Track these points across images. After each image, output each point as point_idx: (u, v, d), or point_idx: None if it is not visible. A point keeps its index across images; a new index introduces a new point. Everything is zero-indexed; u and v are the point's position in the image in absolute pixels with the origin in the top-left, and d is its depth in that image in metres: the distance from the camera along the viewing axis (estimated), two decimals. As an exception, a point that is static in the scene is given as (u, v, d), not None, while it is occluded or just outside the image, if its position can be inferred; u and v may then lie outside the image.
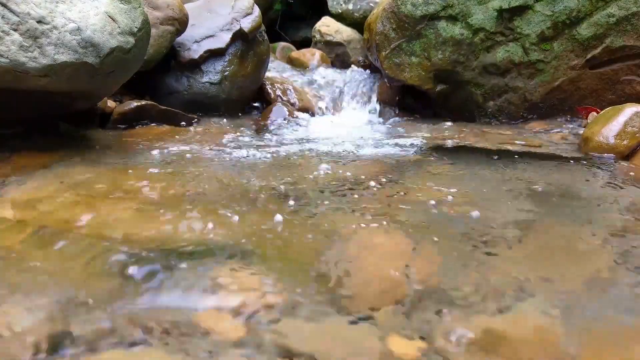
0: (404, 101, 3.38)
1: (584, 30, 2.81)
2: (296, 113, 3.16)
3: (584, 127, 2.59)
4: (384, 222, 1.33)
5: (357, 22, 4.33)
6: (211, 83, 2.98)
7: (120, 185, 1.57)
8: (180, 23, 2.90)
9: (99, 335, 0.81)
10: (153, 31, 2.58)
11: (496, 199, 1.57)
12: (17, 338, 0.80)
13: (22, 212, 1.31)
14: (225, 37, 3.06)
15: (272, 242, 1.19)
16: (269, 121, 2.98)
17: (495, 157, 2.12)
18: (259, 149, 2.18)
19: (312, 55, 4.19)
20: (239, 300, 0.93)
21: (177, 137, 2.37)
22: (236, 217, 1.33)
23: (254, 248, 1.15)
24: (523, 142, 2.46)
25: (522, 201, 1.54)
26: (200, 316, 0.88)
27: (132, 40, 1.93)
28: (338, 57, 4.30)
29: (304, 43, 4.85)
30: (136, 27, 1.95)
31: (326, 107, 3.36)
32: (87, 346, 0.79)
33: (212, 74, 2.99)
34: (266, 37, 3.39)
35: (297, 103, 3.29)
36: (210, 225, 1.26)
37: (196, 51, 2.99)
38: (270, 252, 1.14)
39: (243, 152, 2.11)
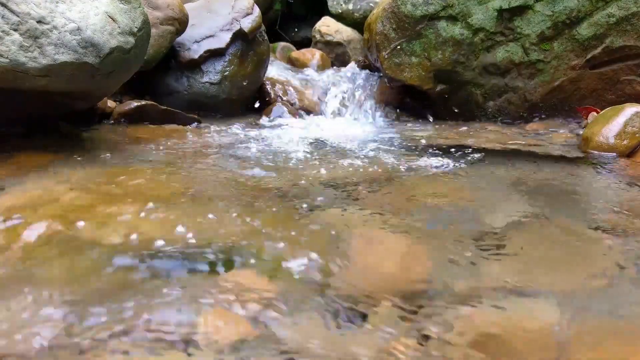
0: (404, 101, 3.38)
1: (584, 30, 2.81)
2: (296, 113, 3.17)
3: (584, 127, 2.59)
4: (382, 221, 1.33)
5: (357, 22, 4.33)
6: (211, 83, 2.98)
7: (120, 185, 1.57)
8: (180, 23, 2.90)
9: (101, 336, 0.81)
10: (153, 31, 2.58)
11: (495, 198, 1.57)
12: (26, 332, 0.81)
13: (21, 212, 1.30)
14: (225, 37, 3.06)
15: (272, 239, 1.19)
16: (268, 121, 2.99)
17: (495, 157, 2.12)
18: (259, 149, 2.18)
19: (312, 55, 4.19)
20: (239, 298, 0.93)
21: (176, 137, 2.37)
22: (236, 215, 1.33)
23: (254, 246, 1.15)
24: (523, 142, 2.46)
25: (521, 200, 1.54)
26: (201, 316, 0.88)
27: (132, 40, 1.93)
28: (338, 57, 4.30)
29: (304, 43, 4.84)
30: (136, 27, 1.95)
31: (326, 107, 3.36)
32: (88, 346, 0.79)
33: (212, 74, 2.99)
34: (266, 37, 3.39)
35: (297, 103, 3.29)
36: (210, 224, 1.26)
37: (196, 51, 2.99)
38: (271, 250, 1.14)
39: (243, 152, 2.11)
